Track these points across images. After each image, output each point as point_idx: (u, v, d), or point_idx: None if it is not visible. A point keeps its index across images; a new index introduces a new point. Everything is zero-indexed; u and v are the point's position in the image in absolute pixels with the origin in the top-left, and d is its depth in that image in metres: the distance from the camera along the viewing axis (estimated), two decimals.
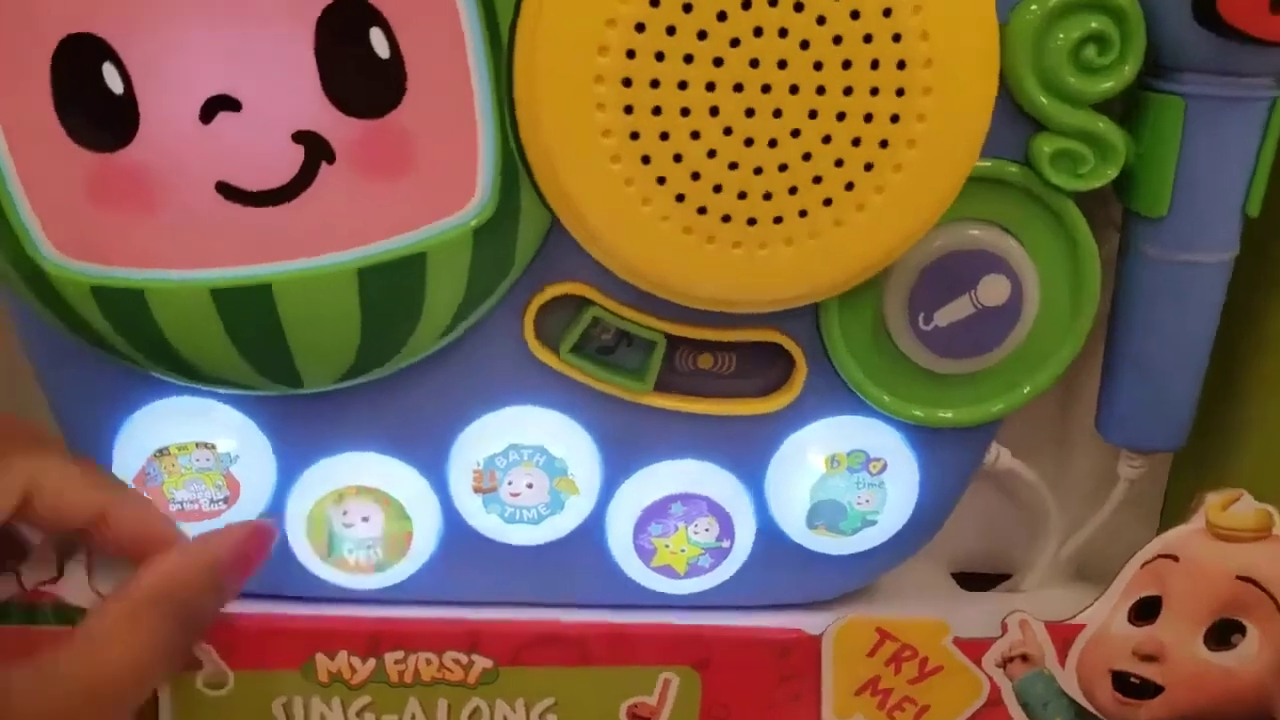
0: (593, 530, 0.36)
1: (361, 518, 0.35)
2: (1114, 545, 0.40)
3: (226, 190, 0.29)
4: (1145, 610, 0.35)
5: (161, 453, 0.34)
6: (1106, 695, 0.35)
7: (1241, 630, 0.34)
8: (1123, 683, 0.35)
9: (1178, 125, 0.32)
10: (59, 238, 0.30)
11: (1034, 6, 0.30)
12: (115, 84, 0.28)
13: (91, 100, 0.28)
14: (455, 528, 0.36)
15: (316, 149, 0.29)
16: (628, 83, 0.28)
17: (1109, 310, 0.36)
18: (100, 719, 0.28)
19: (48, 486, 0.30)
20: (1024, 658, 0.35)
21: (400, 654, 0.33)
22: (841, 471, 0.36)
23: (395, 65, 0.29)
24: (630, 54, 0.28)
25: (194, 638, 0.30)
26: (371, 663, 0.33)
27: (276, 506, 0.35)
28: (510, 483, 0.35)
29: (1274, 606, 0.34)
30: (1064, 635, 0.35)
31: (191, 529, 0.34)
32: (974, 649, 0.34)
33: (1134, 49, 0.31)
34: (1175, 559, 0.34)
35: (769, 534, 0.37)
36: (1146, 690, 0.35)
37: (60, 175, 0.29)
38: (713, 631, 0.34)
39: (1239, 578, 0.34)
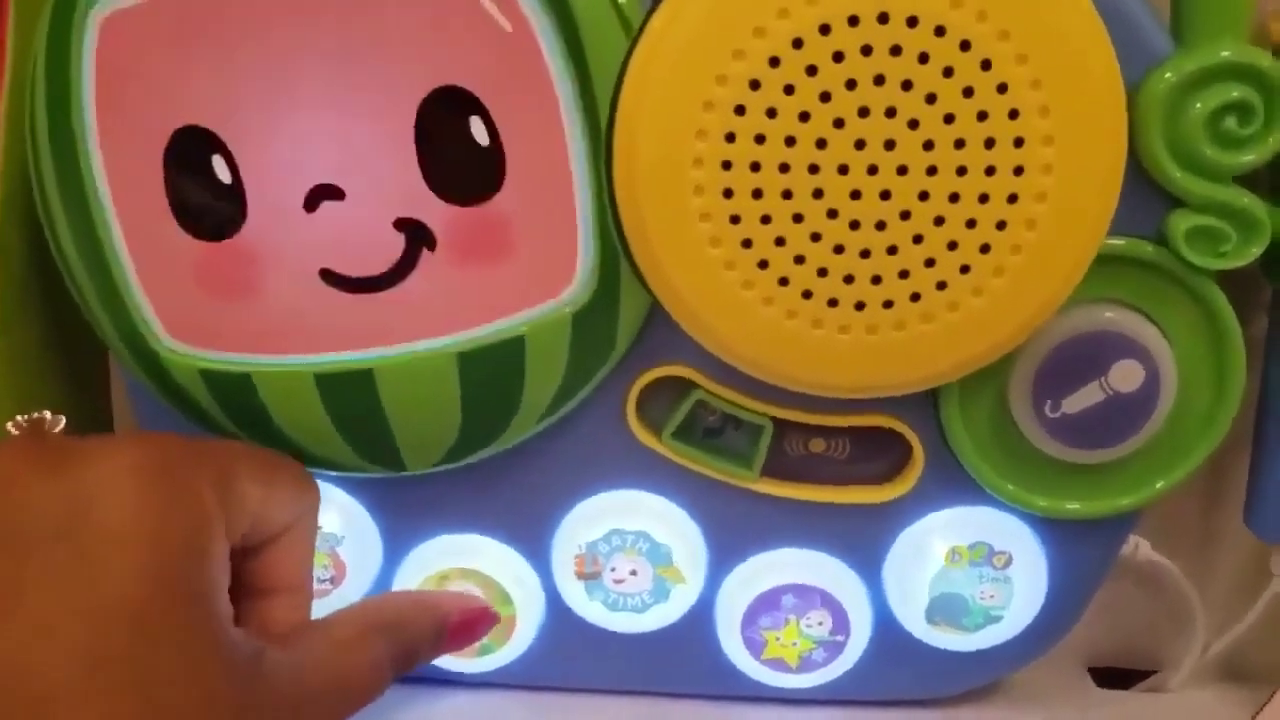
0: (700, 620, 0.35)
1: None
2: (1270, 645, 0.37)
3: (330, 277, 0.30)
4: None
5: None
6: None
7: None
8: None
9: None
10: (170, 322, 0.31)
11: (1167, 74, 0.29)
12: (223, 174, 0.29)
13: (201, 190, 0.29)
14: (558, 613, 0.35)
15: (417, 236, 0.29)
16: (727, 165, 0.28)
17: (1259, 395, 0.33)
18: None
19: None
20: None
21: None
22: (963, 565, 0.34)
23: (494, 152, 0.29)
24: (730, 137, 0.27)
25: (395, 677, 0.30)
26: None
27: (382, 587, 0.35)
28: (613, 569, 0.34)
29: None
30: None
31: None
32: None
33: (1279, 117, 0.29)
34: None
35: (886, 628, 0.35)
36: None
37: (171, 263, 0.30)
38: None
39: None
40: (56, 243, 0.31)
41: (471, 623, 0.34)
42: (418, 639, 0.32)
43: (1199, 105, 0.29)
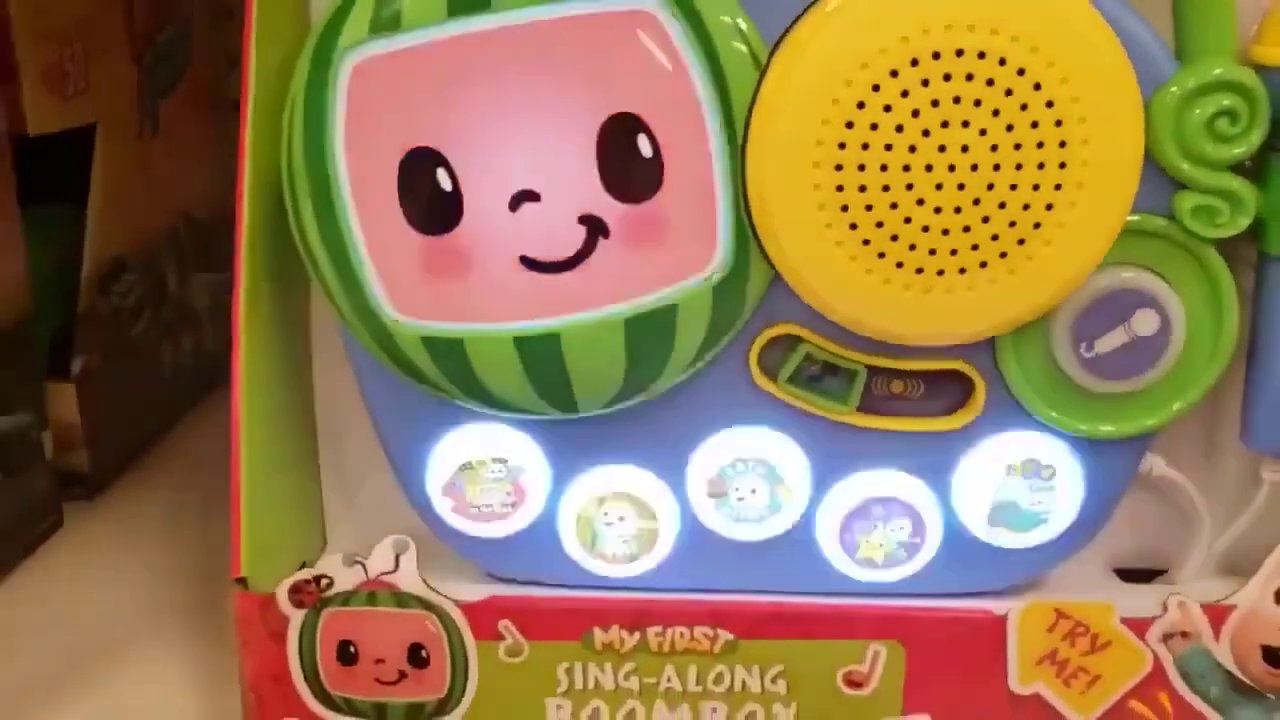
0: (805, 529, 0.43)
1: (618, 518, 0.42)
2: (1260, 541, 0.44)
3: (527, 262, 0.37)
4: None
5: (465, 466, 0.42)
6: (1258, 667, 0.40)
7: None
8: (1273, 656, 0.40)
9: None
10: (398, 301, 0.38)
11: (1173, 88, 0.37)
12: (446, 184, 0.37)
13: (427, 196, 0.37)
14: (692, 526, 0.43)
15: (596, 228, 0.37)
16: (839, 167, 0.35)
17: (1248, 336, 0.41)
18: None
19: None
20: (1183, 634, 0.40)
21: (659, 628, 0.40)
22: (1017, 477, 0.42)
23: (656, 162, 0.36)
24: (841, 145, 0.35)
25: None
26: (637, 635, 0.40)
27: (551, 508, 0.43)
28: (738, 488, 0.42)
29: None
30: (1218, 615, 0.40)
31: (487, 529, 0.43)
32: (1139, 627, 0.40)
33: (1260, 120, 0.36)
34: None
35: (955, 531, 0.43)
36: None
37: (400, 253, 0.38)
38: (914, 612, 0.40)
39: None
40: (303, 236, 0.39)
41: None
42: None
43: (1198, 111, 0.36)
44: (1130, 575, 0.48)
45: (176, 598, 0.55)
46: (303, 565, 0.45)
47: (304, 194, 0.38)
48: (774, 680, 0.41)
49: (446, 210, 0.37)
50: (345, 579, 0.40)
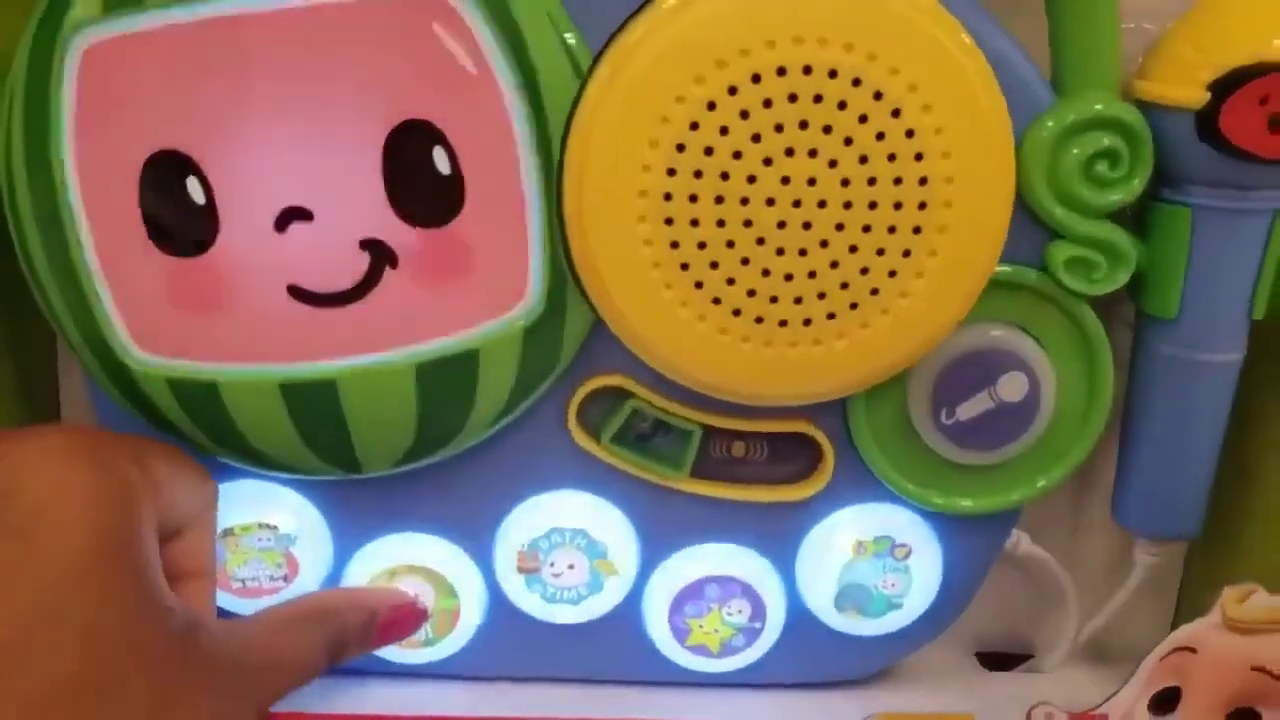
0: (630, 610, 0.38)
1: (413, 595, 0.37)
2: (1132, 628, 0.42)
3: (297, 292, 0.32)
4: (1165, 700, 0.36)
5: (226, 533, 0.36)
6: None
7: (1258, 718, 0.36)
8: None
9: (1185, 234, 0.34)
10: (139, 334, 0.32)
11: (1049, 124, 0.33)
12: (198, 196, 0.31)
13: (175, 210, 0.31)
14: (499, 606, 0.38)
15: (381, 255, 0.31)
16: (668, 197, 0.31)
17: (1124, 403, 0.38)
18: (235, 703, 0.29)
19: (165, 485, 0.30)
20: None
21: None
22: (868, 556, 0.37)
23: (455, 180, 0.31)
24: (671, 172, 0.30)
25: (328, 664, 0.33)
26: None
27: (332, 584, 0.37)
28: (552, 564, 0.37)
29: None
30: None
31: (250, 606, 0.37)
32: None
33: (1142, 163, 0.33)
34: (1193, 651, 0.35)
35: (799, 616, 0.38)
36: None
37: (143, 278, 0.32)
38: None
39: (1254, 669, 0.35)
40: (26, 256, 0.32)
41: (400, 619, 0.36)
42: (349, 629, 0.34)
43: (1075, 151, 0.33)
44: (992, 658, 0.44)
45: None
46: None
47: (25, 204, 0.32)
48: None
49: (199, 228, 0.31)
50: None
